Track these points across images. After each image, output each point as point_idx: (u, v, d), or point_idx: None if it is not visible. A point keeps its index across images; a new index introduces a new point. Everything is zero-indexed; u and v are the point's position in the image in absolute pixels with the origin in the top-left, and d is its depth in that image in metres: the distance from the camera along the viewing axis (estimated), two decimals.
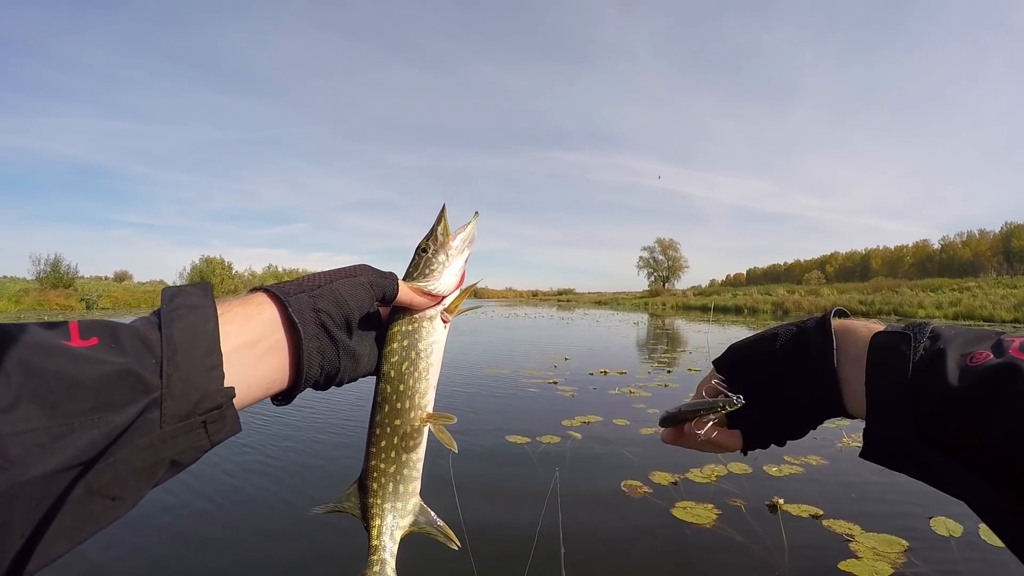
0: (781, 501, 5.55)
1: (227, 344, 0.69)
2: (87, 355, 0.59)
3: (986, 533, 4.76)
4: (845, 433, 7.84)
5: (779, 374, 0.90)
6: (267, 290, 0.78)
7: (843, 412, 0.84)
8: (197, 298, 0.70)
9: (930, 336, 0.69)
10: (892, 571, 4.28)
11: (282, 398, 0.82)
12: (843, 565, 4.29)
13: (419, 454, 0.96)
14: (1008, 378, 0.59)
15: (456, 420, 0.98)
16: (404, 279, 0.94)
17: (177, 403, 0.63)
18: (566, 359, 16.15)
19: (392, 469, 0.92)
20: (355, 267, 0.85)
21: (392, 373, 0.91)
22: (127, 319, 0.70)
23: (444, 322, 0.96)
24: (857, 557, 4.49)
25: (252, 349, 0.73)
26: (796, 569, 4.37)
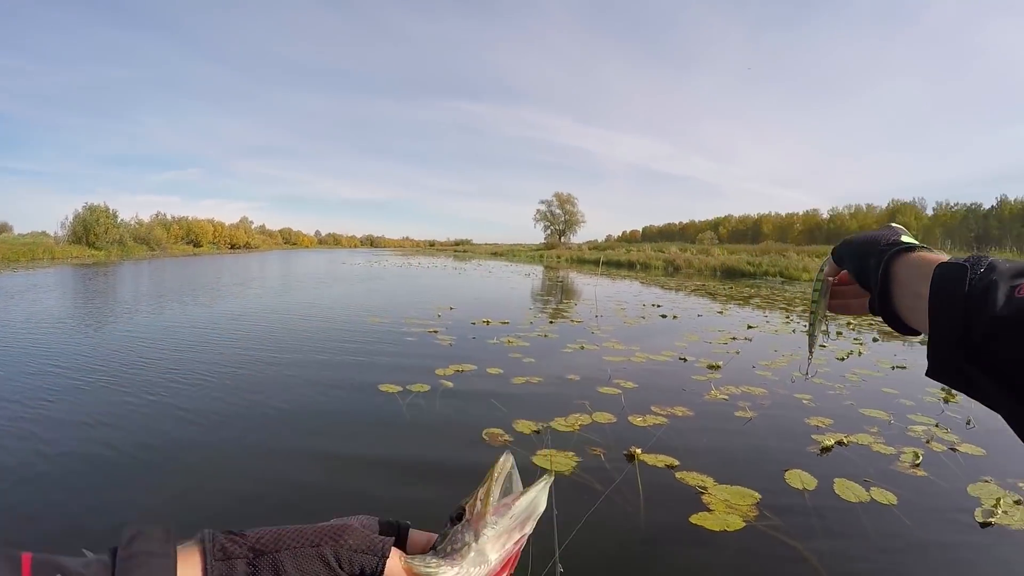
0: (639, 451, 5.66)
1: None
2: None
3: (840, 488, 4.99)
4: (714, 386, 8.15)
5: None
6: (205, 542, 0.65)
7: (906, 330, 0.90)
8: (158, 544, 0.61)
9: (987, 267, 0.74)
10: (744, 524, 4.40)
11: None
12: (695, 519, 4.33)
13: None
14: None
15: None
16: (431, 552, 0.73)
17: None
18: (451, 308, 16.03)
19: None
20: (341, 526, 0.69)
21: None
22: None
23: None
24: (709, 510, 4.59)
25: None
26: (650, 521, 4.42)
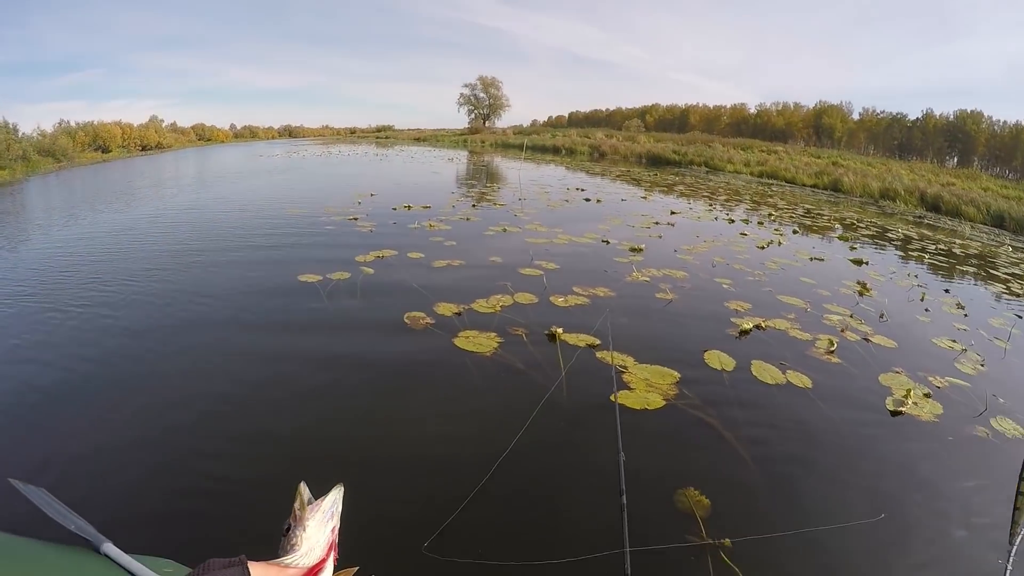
0: (560, 330, 5.46)
1: None
2: None
3: (758, 369, 4.92)
4: (636, 268, 7.98)
5: None
6: None
7: None
8: None
9: None
10: (664, 403, 4.28)
11: None
12: (617, 397, 4.13)
13: None
14: None
15: None
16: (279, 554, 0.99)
17: None
18: (372, 195, 15.14)
19: None
20: (201, 566, 0.86)
21: None
22: None
23: None
24: (630, 388, 4.47)
25: None
26: (573, 400, 4.30)
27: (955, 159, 44.53)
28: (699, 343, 5.40)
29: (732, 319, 6.09)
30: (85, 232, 10.58)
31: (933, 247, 11.97)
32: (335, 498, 1.03)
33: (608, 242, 9.83)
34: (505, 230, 10.53)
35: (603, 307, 6.25)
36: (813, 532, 3.00)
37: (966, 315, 7.12)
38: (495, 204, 14.34)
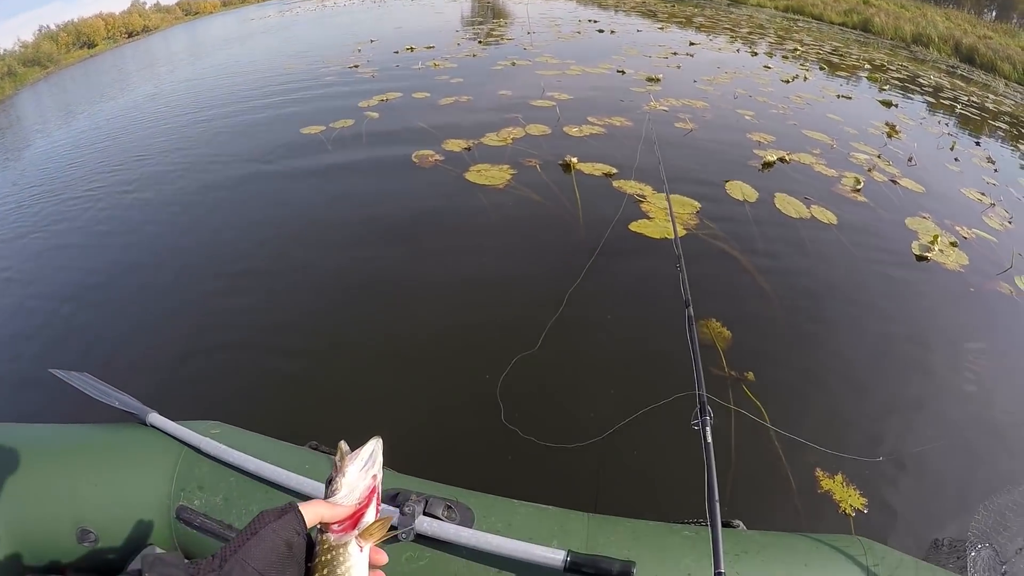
0: (575, 160, 5.20)
1: None
2: None
3: (781, 202, 4.63)
4: (653, 98, 7.43)
5: None
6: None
7: None
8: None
9: None
10: (685, 232, 4.08)
11: None
12: (635, 226, 4.01)
13: None
14: None
15: None
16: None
17: None
18: (372, 41, 13.72)
19: None
20: (254, 520, 0.86)
21: None
22: None
23: (359, 548, 0.95)
24: (649, 217, 4.27)
25: None
26: (590, 226, 4.14)
27: (993, 13, 41.73)
28: (720, 174, 5.10)
29: (755, 151, 5.74)
30: (86, 125, 9.91)
31: (965, 99, 11.21)
32: (373, 447, 1.02)
33: (624, 72, 9.08)
34: (514, 64, 9.72)
35: (618, 136, 5.87)
36: (829, 370, 2.92)
37: (996, 170, 6.70)
38: (502, 39, 13.17)
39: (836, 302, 3.60)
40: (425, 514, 1.42)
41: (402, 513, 1.40)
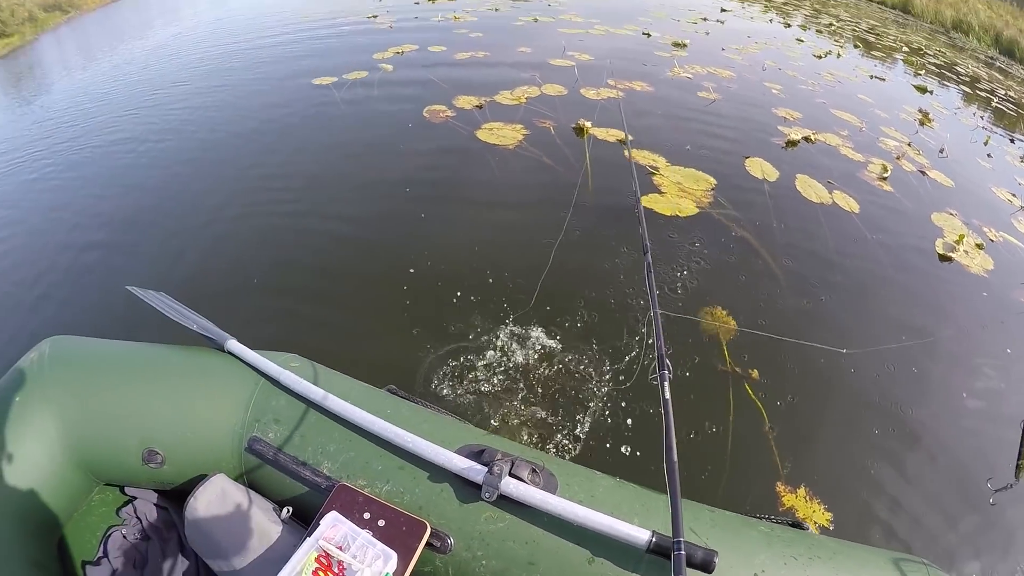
0: (588, 124, 4.98)
1: None
2: None
3: (802, 184, 4.39)
4: (678, 63, 7.09)
5: None
6: None
7: None
8: None
9: None
10: (697, 210, 3.87)
11: None
12: (645, 200, 3.81)
13: None
14: None
15: None
16: None
17: None
18: None
19: None
20: None
21: None
22: None
23: None
24: (660, 192, 4.04)
25: None
26: (598, 199, 3.96)
27: None
28: (740, 149, 4.83)
29: (779, 127, 5.44)
30: (111, 65, 9.54)
31: (1003, 92, 10.73)
32: None
33: (649, 35, 8.68)
34: (536, 20, 9.32)
35: (636, 101, 5.60)
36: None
37: None
38: None
39: (851, 295, 3.39)
40: (511, 475, 1.36)
41: (490, 472, 1.35)
